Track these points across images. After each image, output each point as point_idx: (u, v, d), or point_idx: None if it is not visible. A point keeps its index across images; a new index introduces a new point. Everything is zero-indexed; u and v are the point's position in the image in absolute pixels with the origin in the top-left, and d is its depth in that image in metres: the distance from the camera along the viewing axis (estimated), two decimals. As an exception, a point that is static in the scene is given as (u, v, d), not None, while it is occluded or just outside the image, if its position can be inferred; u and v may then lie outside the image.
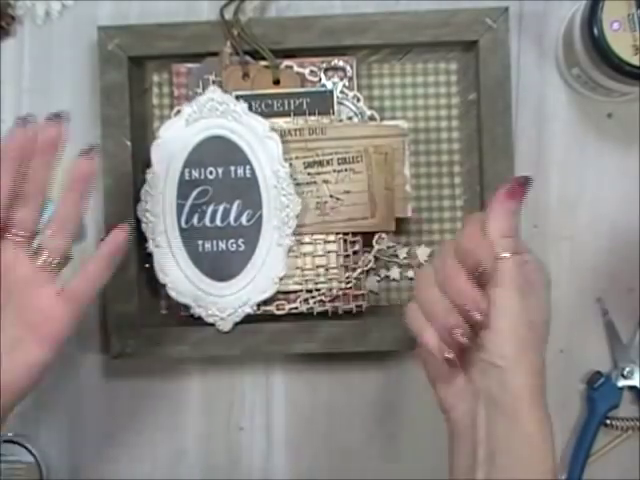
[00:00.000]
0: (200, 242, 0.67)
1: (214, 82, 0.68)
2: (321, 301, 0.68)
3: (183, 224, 0.67)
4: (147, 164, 0.69)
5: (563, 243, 0.71)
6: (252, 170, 0.67)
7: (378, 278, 0.70)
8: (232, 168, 0.67)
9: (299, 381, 0.71)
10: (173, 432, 0.72)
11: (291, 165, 0.67)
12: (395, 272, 0.70)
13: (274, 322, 0.68)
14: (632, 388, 0.70)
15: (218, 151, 0.67)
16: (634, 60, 0.62)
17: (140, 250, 0.69)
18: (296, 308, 0.68)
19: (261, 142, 0.66)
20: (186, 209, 0.67)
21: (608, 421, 0.69)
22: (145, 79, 0.71)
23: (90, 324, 0.71)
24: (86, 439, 0.72)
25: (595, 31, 0.62)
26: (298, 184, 0.67)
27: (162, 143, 0.67)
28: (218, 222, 0.67)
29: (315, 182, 0.67)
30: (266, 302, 0.67)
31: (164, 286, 0.69)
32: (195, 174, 0.67)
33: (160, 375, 0.72)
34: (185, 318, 0.68)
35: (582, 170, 0.71)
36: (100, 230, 0.70)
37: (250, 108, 0.68)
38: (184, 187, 0.67)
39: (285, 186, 0.66)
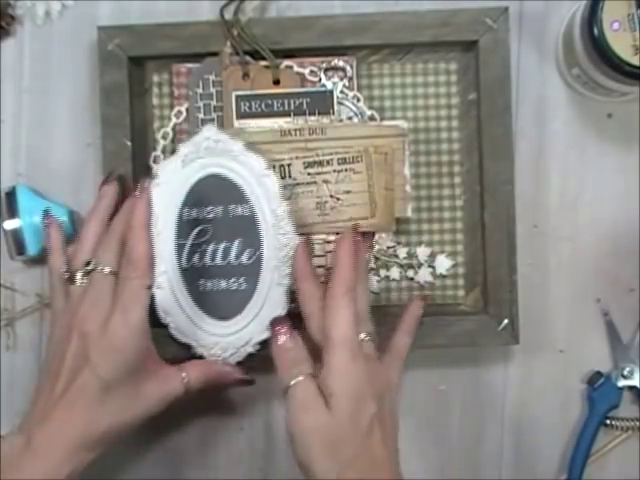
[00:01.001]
0: (201, 281, 0.66)
1: (214, 82, 0.68)
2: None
3: (184, 264, 0.66)
4: (147, 164, 0.69)
5: (563, 243, 0.71)
6: (251, 208, 0.65)
7: (378, 278, 0.70)
8: (231, 207, 0.65)
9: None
10: (173, 432, 0.72)
11: (290, 165, 0.67)
12: (395, 272, 0.70)
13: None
14: (632, 388, 0.70)
15: (217, 190, 0.65)
16: (634, 60, 0.62)
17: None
18: (297, 308, 0.67)
19: (258, 180, 0.64)
20: (186, 249, 0.66)
21: (608, 421, 0.70)
22: (145, 79, 0.71)
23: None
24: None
25: (595, 31, 0.62)
26: (298, 184, 0.67)
27: (160, 183, 0.65)
28: (219, 261, 0.65)
29: (315, 182, 0.67)
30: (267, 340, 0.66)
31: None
32: (194, 213, 0.66)
33: (160, 375, 0.71)
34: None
35: (582, 170, 0.71)
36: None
37: (250, 108, 0.68)
38: (184, 227, 0.66)
39: (283, 225, 0.64)
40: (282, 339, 0.60)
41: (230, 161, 0.65)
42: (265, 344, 0.65)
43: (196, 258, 0.66)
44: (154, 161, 0.69)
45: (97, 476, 0.72)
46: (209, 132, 0.65)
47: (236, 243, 0.65)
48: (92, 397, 0.58)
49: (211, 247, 0.66)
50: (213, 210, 0.66)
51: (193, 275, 0.66)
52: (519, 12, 0.70)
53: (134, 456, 0.72)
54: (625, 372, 0.69)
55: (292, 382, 0.57)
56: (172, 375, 0.62)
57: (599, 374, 0.70)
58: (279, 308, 0.65)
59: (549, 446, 0.71)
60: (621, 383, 0.69)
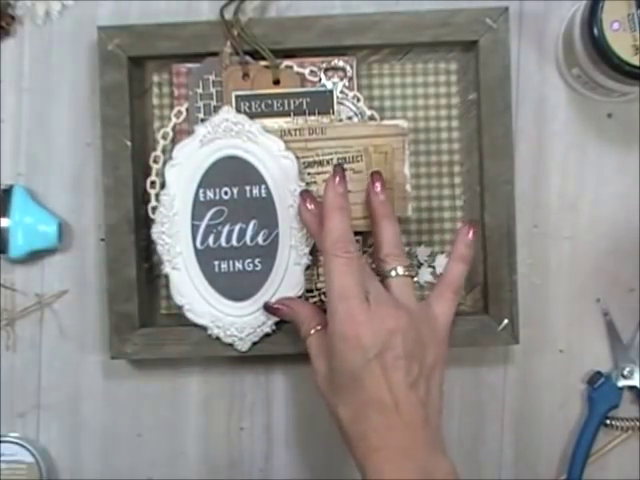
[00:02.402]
0: (216, 263, 0.67)
1: (214, 82, 0.68)
2: (321, 301, 0.68)
3: (199, 245, 0.67)
4: (147, 164, 0.69)
5: (563, 243, 0.71)
6: (268, 190, 0.67)
7: (378, 278, 0.70)
8: (247, 188, 0.67)
9: (299, 381, 0.71)
10: (173, 432, 0.72)
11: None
12: (395, 272, 0.70)
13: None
14: (632, 388, 0.70)
15: (233, 171, 0.67)
16: (634, 60, 0.62)
17: (140, 250, 0.69)
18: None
19: (277, 161, 0.66)
20: (201, 230, 0.67)
21: (608, 421, 0.70)
22: (145, 79, 0.71)
23: (90, 324, 0.71)
24: (86, 439, 0.72)
25: (595, 31, 0.62)
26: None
27: (176, 164, 0.67)
28: (234, 242, 0.67)
29: (315, 182, 0.67)
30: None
31: (164, 286, 0.70)
32: (210, 194, 0.67)
33: (160, 375, 0.72)
34: (185, 319, 0.68)
35: (582, 170, 0.71)
36: (100, 230, 0.70)
37: (250, 108, 0.68)
38: (199, 208, 0.67)
39: None
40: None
41: (247, 142, 0.66)
42: (281, 323, 0.67)
43: (211, 239, 0.67)
44: (154, 161, 0.69)
45: (97, 476, 0.72)
46: (228, 114, 0.66)
47: (251, 224, 0.66)
48: None
49: (226, 228, 0.67)
50: (229, 191, 0.66)
51: (208, 256, 0.67)
52: (519, 12, 0.70)
53: (134, 456, 0.72)
54: (625, 372, 0.69)
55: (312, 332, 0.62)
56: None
57: (599, 374, 0.70)
58: (297, 287, 0.67)
59: (549, 446, 0.71)
60: (621, 383, 0.69)
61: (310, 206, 0.63)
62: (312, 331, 0.62)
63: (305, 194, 0.64)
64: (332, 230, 0.59)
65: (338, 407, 0.58)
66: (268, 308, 0.66)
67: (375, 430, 0.56)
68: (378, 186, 0.63)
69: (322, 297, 0.68)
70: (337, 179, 0.61)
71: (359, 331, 0.57)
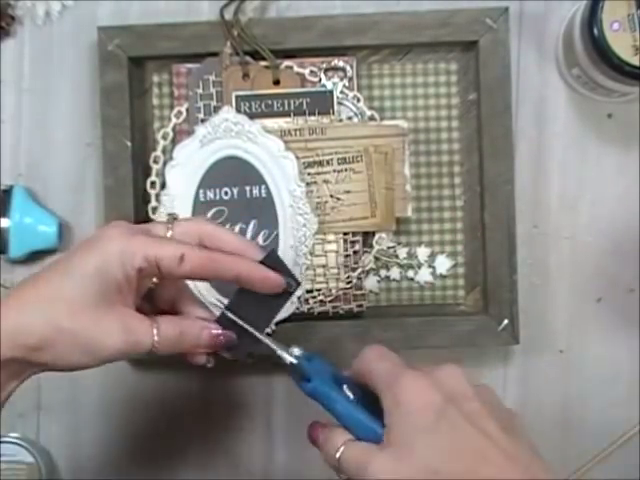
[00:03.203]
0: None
1: (214, 82, 0.68)
2: (321, 301, 0.68)
3: None
4: (147, 165, 0.69)
5: (563, 243, 0.71)
6: (268, 190, 0.67)
7: (378, 278, 0.70)
8: (247, 188, 0.67)
9: (299, 381, 0.71)
10: (173, 432, 0.72)
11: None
12: (395, 272, 0.70)
13: (274, 322, 0.68)
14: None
15: (233, 171, 0.67)
16: (634, 60, 0.62)
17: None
18: (297, 308, 0.68)
19: (276, 162, 0.66)
20: None
21: None
22: (145, 79, 0.71)
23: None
24: (86, 439, 0.72)
25: (595, 31, 0.62)
26: (298, 184, 0.67)
27: (176, 165, 0.67)
28: None
29: (315, 182, 0.67)
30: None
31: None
32: (210, 195, 0.67)
33: (160, 375, 0.72)
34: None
35: (582, 170, 0.71)
36: (100, 230, 0.70)
37: (250, 108, 0.68)
38: (199, 208, 0.67)
39: (301, 205, 0.66)
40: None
41: (247, 142, 0.66)
42: (282, 323, 0.66)
43: None
44: (154, 161, 0.69)
45: (97, 476, 0.72)
46: (228, 114, 0.66)
47: (252, 225, 0.66)
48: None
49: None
50: (229, 192, 0.67)
51: None
52: (519, 12, 0.70)
53: (134, 456, 0.72)
54: None
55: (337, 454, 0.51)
56: (144, 322, 0.52)
57: None
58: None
59: (549, 446, 0.71)
60: None
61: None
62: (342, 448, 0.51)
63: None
64: None
65: None
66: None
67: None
68: None
69: (322, 297, 0.68)
70: None
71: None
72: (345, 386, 0.53)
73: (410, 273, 0.70)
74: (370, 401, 0.51)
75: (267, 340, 0.55)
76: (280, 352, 0.54)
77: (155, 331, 0.52)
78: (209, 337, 0.55)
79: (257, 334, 0.55)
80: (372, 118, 0.69)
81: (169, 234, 0.53)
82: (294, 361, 0.54)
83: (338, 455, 0.51)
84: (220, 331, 0.55)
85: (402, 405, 0.49)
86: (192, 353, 0.55)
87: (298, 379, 0.54)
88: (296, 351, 0.54)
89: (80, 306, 0.50)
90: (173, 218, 0.55)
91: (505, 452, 0.47)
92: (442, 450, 0.47)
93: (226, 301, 0.56)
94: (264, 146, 0.66)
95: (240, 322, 0.54)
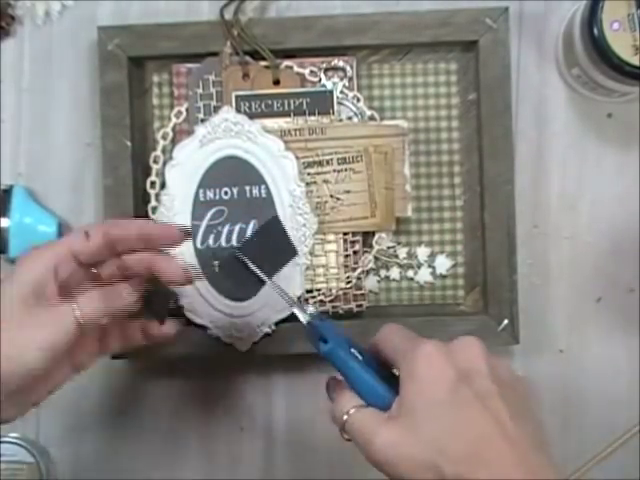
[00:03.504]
0: (216, 262, 0.67)
1: (214, 82, 0.68)
2: (321, 301, 0.68)
3: (199, 245, 0.67)
4: (147, 164, 0.69)
5: (563, 243, 0.71)
6: (267, 190, 0.67)
7: (378, 278, 0.70)
8: (247, 188, 0.67)
9: (299, 381, 0.71)
10: (173, 432, 0.72)
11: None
12: (395, 272, 0.70)
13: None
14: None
15: (233, 171, 0.67)
16: (634, 60, 0.62)
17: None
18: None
19: (276, 161, 0.66)
20: (201, 230, 0.67)
21: None
22: (145, 79, 0.71)
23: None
24: (86, 439, 0.72)
25: (595, 31, 0.62)
26: (298, 184, 0.67)
27: (176, 164, 0.67)
28: (234, 242, 0.67)
29: (315, 182, 0.67)
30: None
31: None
32: (210, 195, 0.67)
33: (160, 375, 0.72)
34: (185, 319, 0.68)
35: (582, 170, 0.71)
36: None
37: (250, 108, 0.68)
38: (199, 208, 0.67)
39: (301, 205, 0.66)
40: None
41: (247, 142, 0.66)
42: (281, 324, 0.67)
43: (211, 239, 0.67)
44: (154, 161, 0.69)
45: (97, 476, 0.72)
46: (227, 114, 0.66)
47: (252, 224, 0.66)
48: None
49: (226, 228, 0.67)
50: (229, 191, 0.67)
51: (208, 256, 0.67)
52: (519, 12, 0.70)
53: (134, 456, 0.72)
54: None
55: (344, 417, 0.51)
56: (60, 312, 0.53)
57: None
58: (296, 287, 0.66)
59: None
60: None
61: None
62: (352, 411, 0.51)
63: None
64: None
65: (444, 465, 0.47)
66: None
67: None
68: None
69: (322, 297, 0.68)
70: None
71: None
72: (358, 353, 0.53)
73: (410, 273, 0.70)
74: (384, 376, 0.52)
75: (282, 291, 0.56)
76: (296, 309, 0.55)
77: (75, 306, 0.53)
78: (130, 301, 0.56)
79: (268, 280, 0.56)
80: (372, 118, 0.69)
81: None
82: (310, 320, 0.55)
83: (345, 418, 0.51)
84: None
85: (416, 376, 0.49)
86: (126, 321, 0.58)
87: (314, 339, 0.54)
88: (311, 309, 0.55)
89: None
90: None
91: (509, 438, 0.47)
92: (449, 428, 0.47)
93: None
94: (264, 146, 0.66)
95: (253, 267, 0.57)
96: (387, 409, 0.50)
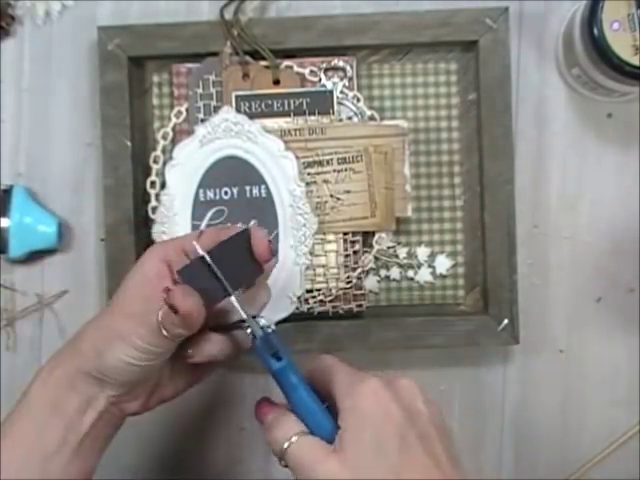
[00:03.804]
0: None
1: (214, 82, 0.68)
2: (321, 301, 0.68)
3: None
4: (147, 164, 0.69)
5: (563, 243, 0.71)
6: (267, 190, 0.67)
7: (378, 278, 0.70)
8: (247, 188, 0.67)
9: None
10: (173, 432, 0.72)
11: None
12: (395, 272, 0.70)
13: (274, 322, 0.68)
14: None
15: (233, 171, 0.67)
16: (634, 60, 0.62)
17: (140, 250, 0.69)
18: (297, 308, 0.68)
19: (276, 161, 0.66)
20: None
21: None
22: (145, 79, 0.71)
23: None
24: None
25: (595, 31, 0.62)
26: (298, 184, 0.67)
27: (176, 164, 0.67)
28: None
29: (315, 182, 0.67)
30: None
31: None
32: (210, 194, 0.67)
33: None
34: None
35: (582, 170, 0.71)
36: (100, 230, 0.70)
37: (250, 108, 0.68)
38: (199, 208, 0.67)
39: (301, 205, 0.66)
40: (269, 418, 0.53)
41: (247, 142, 0.66)
42: (281, 324, 0.66)
43: None
44: (154, 161, 0.69)
45: (97, 476, 0.72)
46: (227, 114, 0.66)
47: (252, 224, 0.66)
48: None
49: None
50: (229, 191, 0.67)
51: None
52: (519, 12, 0.70)
53: (134, 456, 0.72)
54: None
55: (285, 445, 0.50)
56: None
57: None
58: (296, 287, 0.66)
59: (549, 446, 0.71)
60: None
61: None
62: (295, 438, 0.50)
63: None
64: None
65: None
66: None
67: None
68: None
69: (322, 297, 0.68)
70: None
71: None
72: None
73: (410, 273, 0.70)
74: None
75: (238, 302, 0.51)
76: (252, 322, 0.51)
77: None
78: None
79: (230, 290, 0.51)
80: (372, 118, 0.69)
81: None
82: (267, 331, 0.51)
83: (286, 445, 0.49)
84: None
85: (361, 412, 0.48)
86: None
87: (265, 354, 0.51)
88: (263, 321, 0.51)
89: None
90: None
91: (446, 475, 0.47)
92: (394, 470, 0.47)
93: None
94: (264, 146, 0.66)
95: (218, 273, 0.50)
96: (329, 441, 0.49)
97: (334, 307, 0.68)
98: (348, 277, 0.68)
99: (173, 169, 0.67)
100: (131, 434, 0.72)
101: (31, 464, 0.52)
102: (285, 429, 0.50)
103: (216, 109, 0.68)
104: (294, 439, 0.49)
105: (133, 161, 0.68)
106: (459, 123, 0.70)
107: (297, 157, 0.67)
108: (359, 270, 0.68)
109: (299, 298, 0.67)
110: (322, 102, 0.68)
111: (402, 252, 0.70)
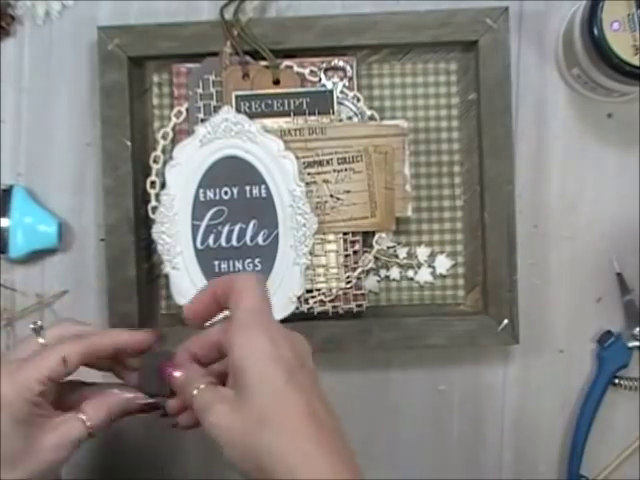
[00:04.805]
0: (216, 263, 0.67)
1: (214, 82, 0.68)
2: (321, 301, 0.68)
3: (199, 245, 0.67)
4: (147, 164, 0.69)
5: (563, 243, 0.71)
6: (268, 190, 0.67)
7: (378, 278, 0.70)
8: (247, 188, 0.67)
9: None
10: (173, 432, 0.72)
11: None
12: (395, 272, 0.70)
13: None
14: (642, 348, 0.70)
15: (233, 171, 0.67)
16: (634, 60, 0.62)
17: (140, 250, 0.69)
18: (297, 308, 0.68)
19: (276, 161, 0.66)
20: (201, 230, 0.67)
21: (616, 380, 0.70)
22: (145, 79, 0.71)
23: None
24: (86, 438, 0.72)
25: (595, 31, 0.62)
26: (298, 184, 0.67)
27: (176, 164, 0.67)
28: (234, 242, 0.67)
29: (315, 182, 0.67)
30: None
31: (164, 286, 0.70)
32: (210, 194, 0.67)
33: (160, 375, 0.71)
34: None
35: (582, 170, 0.71)
36: (100, 230, 0.70)
37: (250, 108, 0.68)
38: (199, 208, 0.67)
39: (301, 205, 0.66)
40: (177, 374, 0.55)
41: (247, 142, 0.66)
42: (282, 323, 0.65)
43: (211, 239, 0.67)
44: (154, 161, 0.69)
45: (97, 476, 0.72)
46: (228, 114, 0.66)
47: (251, 224, 0.67)
48: None
49: (226, 228, 0.67)
50: (229, 191, 0.67)
51: (208, 256, 0.67)
52: (519, 12, 0.70)
53: (134, 456, 0.72)
54: (636, 332, 0.69)
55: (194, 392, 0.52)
56: (69, 420, 0.55)
57: (609, 333, 0.70)
58: (296, 287, 0.66)
59: (549, 446, 0.71)
60: (631, 343, 0.69)
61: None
62: (202, 385, 0.53)
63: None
64: None
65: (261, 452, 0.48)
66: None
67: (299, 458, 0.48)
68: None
69: (322, 297, 0.68)
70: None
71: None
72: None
73: (410, 273, 0.70)
74: None
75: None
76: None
77: (84, 417, 0.55)
78: (141, 407, 0.58)
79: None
80: (372, 118, 0.69)
81: (41, 341, 0.56)
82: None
83: (195, 392, 0.52)
84: (148, 401, 0.58)
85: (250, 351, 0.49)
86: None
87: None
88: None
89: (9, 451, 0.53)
90: (40, 327, 0.57)
91: (327, 408, 0.50)
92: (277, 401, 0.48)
93: None
94: (264, 146, 0.66)
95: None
96: None
97: (334, 307, 0.68)
98: (348, 277, 0.68)
99: (173, 169, 0.67)
100: (130, 434, 0.72)
101: None
102: (192, 380, 0.53)
103: (216, 109, 0.68)
104: (202, 386, 0.52)
105: (133, 161, 0.68)
106: (459, 123, 0.70)
107: (297, 157, 0.67)
108: (359, 270, 0.68)
109: (299, 298, 0.67)
110: (322, 102, 0.68)
111: (402, 252, 0.70)
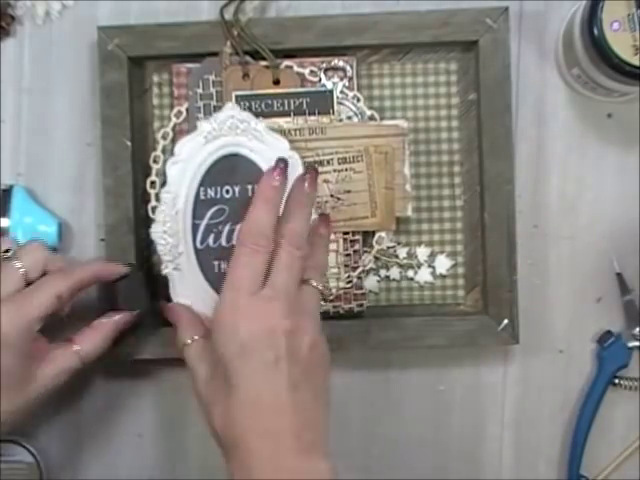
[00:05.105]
0: (216, 263, 0.66)
1: (214, 82, 0.68)
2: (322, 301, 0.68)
3: (199, 245, 0.66)
4: (147, 164, 0.69)
5: (563, 243, 0.71)
6: None
7: (378, 278, 0.70)
8: (249, 187, 0.66)
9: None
10: (173, 432, 0.72)
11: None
12: (395, 272, 0.70)
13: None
14: (642, 349, 0.70)
15: (235, 169, 0.66)
16: (634, 60, 0.62)
17: (140, 250, 0.69)
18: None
19: None
20: (201, 229, 0.66)
21: (617, 380, 0.70)
22: (145, 79, 0.71)
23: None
24: (86, 439, 0.72)
25: (595, 31, 0.62)
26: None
27: (178, 161, 0.66)
28: (234, 242, 0.66)
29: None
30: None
31: (164, 286, 0.69)
32: (211, 193, 0.66)
33: (160, 375, 0.71)
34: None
35: (582, 170, 0.71)
36: (100, 230, 0.70)
37: (250, 108, 0.68)
38: (200, 206, 0.66)
39: None
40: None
41: (252, 140, 0.66)
42: None
43: (211, 239, 0.66)
44: (154, 161, 0.69)
45: (97, 476, 0.72)
46: (233, 111, 0.66)
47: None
48: None
49: (227, 228, 0.66)
50: (230, 190, 0.66)
51: (208, 256, 0.66)
52: (519, 12, 0.70)
53: (134, 456, 0.72)
54: (636, 332, 0.69)
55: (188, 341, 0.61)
56: (63, 351, 0.61)
57: (609, 333, 0.70)
58: None
59: (549, 446, 0.71)
60: (631, 343, 0.69)
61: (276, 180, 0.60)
62: (189, 340, 0.61)
63: (281, 163, 0.61)
64: (250, 220, 0.58)
65: (213, 410, 0.56)
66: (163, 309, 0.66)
67: (249, 435, 0.54)
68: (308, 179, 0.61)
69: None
70: (275, 171, 0.60)
71: (237, 321, 0.55)
72: None
73: (410, 273, 0.70)
74: None
75: None
76: None
77: (78, 348, 0.62)
78: (126, 322, 0.65)
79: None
80: (372, 118, 0.69)
81: (22, 271, 0.60)
82: None
83: (189, 341, 0.60)
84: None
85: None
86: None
87: None
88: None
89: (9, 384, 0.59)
90: (13, 253, 0.62)
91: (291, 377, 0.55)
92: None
93: None
94: (270, 145, 0.66)
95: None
96: None
97: (334, 307, 0.68)
98: (348, 277, 0.68)
99: (175, 166, 0.66)
100: (131, 434, 0.72)
101: None
102: (189, 330, 0.61)
103: (216, 109, 0.68)
104: (196, 337, 0.60)
105: (133, 161, 0.68)
106: (459, 123, 0.70)
107: (300, 157, 0.66)
108: (359, 270, 0.68)
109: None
110: (322, 102, 0.68)
111: (402, 252, 0.70)
